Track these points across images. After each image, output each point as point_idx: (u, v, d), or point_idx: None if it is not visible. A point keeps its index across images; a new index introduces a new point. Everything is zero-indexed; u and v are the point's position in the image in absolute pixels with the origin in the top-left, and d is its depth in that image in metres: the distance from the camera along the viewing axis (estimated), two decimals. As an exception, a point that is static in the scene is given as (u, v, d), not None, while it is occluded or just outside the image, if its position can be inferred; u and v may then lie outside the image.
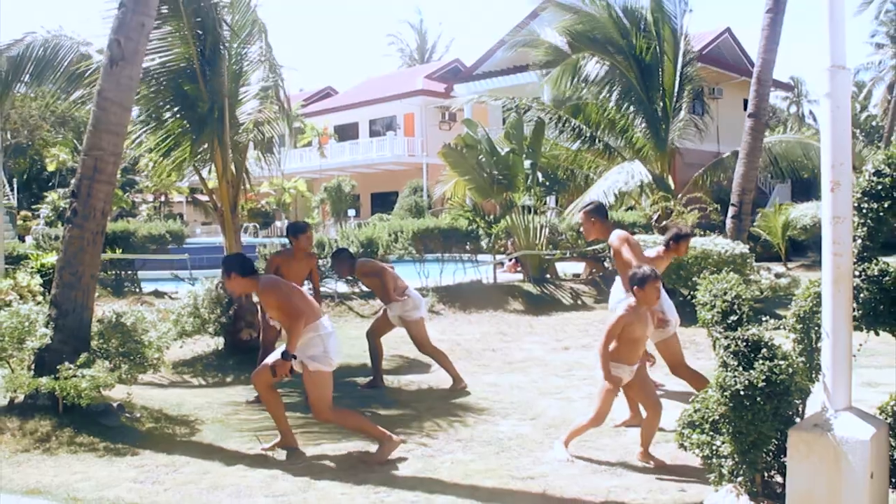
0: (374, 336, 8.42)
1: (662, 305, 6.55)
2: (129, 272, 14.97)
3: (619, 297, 7.63)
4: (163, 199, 36.20)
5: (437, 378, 8.69)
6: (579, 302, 14.17)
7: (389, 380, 8.60)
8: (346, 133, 41.11)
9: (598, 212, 7.05)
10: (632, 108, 16.66)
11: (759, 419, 4.05)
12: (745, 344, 4.16)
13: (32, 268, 12.53)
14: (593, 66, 16.80)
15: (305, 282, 8.09)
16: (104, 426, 6.39)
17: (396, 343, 10.82)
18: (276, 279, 5.99)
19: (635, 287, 5.52)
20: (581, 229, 7.07)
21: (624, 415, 6.55)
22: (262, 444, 6.14)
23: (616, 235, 6.81)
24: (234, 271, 5.76)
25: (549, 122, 17.22)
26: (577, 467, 5.56)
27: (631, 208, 18.47)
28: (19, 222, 27.74)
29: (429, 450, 6.05)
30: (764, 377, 4.02)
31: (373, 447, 5.91)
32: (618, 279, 7.73)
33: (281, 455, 5.89)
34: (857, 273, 4.26)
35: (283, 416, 6.00)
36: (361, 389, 8.17)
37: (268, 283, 5.82)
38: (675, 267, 11.63)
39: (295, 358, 5.60)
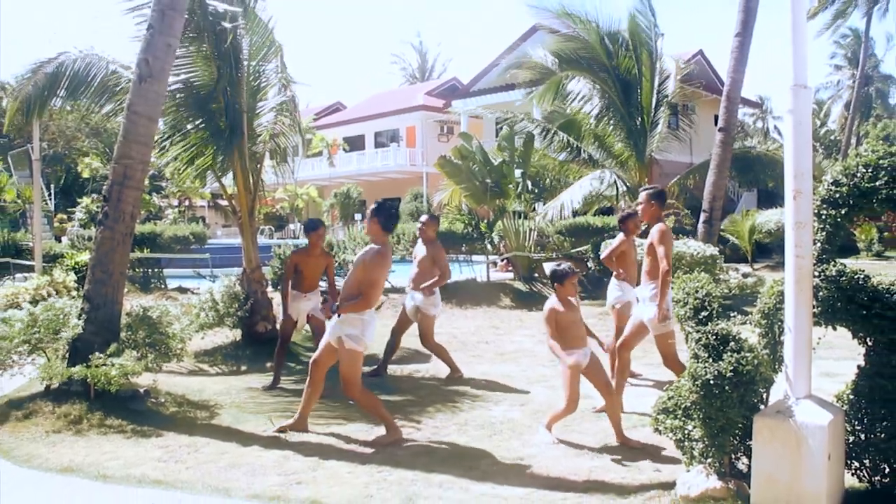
0: (398, 333, 8.38)
1: (669, 301, 6.48)
2: (156, 270, 14.97)
3: (617, 294, 7.59)
4: (187, 203, 36.08)
5: (436, 368, 8.67)
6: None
7: (392, 369, 8.59)
8: (353, 144, 41.07)
9: (659, 197, 6.72)
10: (613, 123, 16.66)
11: (727, 406, 4.05)
12: (714, 337, 4.16)
13: (67, 266, 12.53)
14: (576, 84, 16.79)
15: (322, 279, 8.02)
16: (132, 410, 6.38)
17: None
18: (387, 254, 5.79)
19: (556, 283, 5.63)
20: (639, 209, 6.75)
21: (601, 401, 6.54)
22: (273, 424, 6.13)
23: (658, 228, 6.54)
24: (379, 218, 5.71)
25: (539, 135, 17.22)
26: (561, 449, 5.55)
27: (609, 213, 18.48)
28: (56, 224, 27.70)
29: (427, 432, 6.04)
30: (732, 368, 4.02)
31: (376, 430, 5.90)
32: (613, 279, 7.67)
33: (293, 437, 5.87)
34: (816, 273, 4.26)
35: (312, 403, 6.00)
36: (365, 377, 8.12)
37: (384, 252, 5.70)
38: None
39: (339, 315, 5.55)
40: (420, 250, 8.22)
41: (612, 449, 5.50)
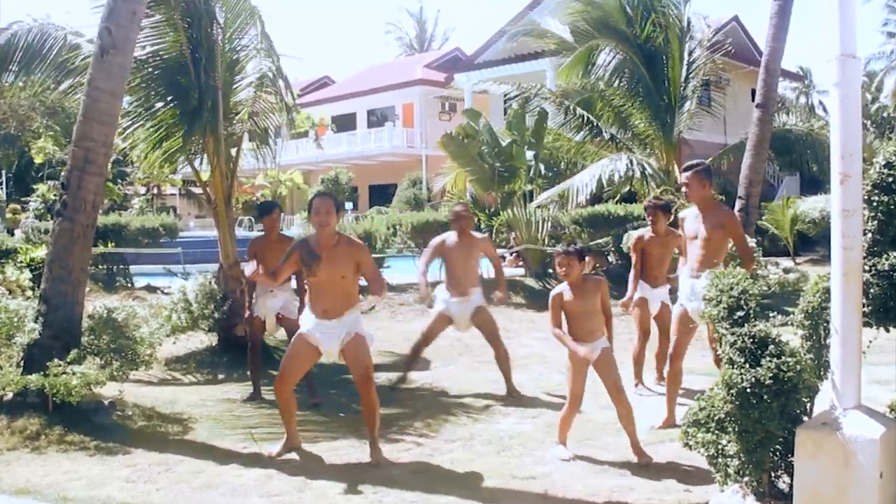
0: (426, 344, 8.24)
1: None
2: (121, 266, 14.98)
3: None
4: (155, 191, 36.17)
5: (436, 376, 8.70)
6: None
7: (389, 377, 8.60)
8: (343, 124, 41.03)
9: (709, 174, 6.62)
10: (639, 99, 16.63)
11: (766, 417, 4.05)
12: (751, 341, 4.16)
13: (21, 262, 12.54)
14: (605, 56, 16.75)
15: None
16: (95, 424, 6.40)
17: (397, 341, 10.84)
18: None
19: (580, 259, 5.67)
20: (684, 189, 6.60)
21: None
22: (256, 442, 6.14)
23: (728, 212, 6.62)
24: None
25: (553, 112, 17.22)
26: (579, 466, 5.57)
27: (634, 201, 18.47)
28: (8, 215, 27.76)
29: (428, 449, 6.06)
30: (771, 374, 4.02)
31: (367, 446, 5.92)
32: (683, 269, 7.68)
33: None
34: (867, 268, 4.25)
35: (293, 421, 5.97)
36: (388, 390, 8.02)
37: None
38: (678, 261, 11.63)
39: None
40: (453, 246, 7.97)
41: (637, 466, 5.51)
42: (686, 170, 6.58)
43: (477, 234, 8.24)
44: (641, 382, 8.01)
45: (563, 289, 5.68)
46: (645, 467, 5.47)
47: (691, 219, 6.60)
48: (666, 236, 7.81)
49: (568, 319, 5.66)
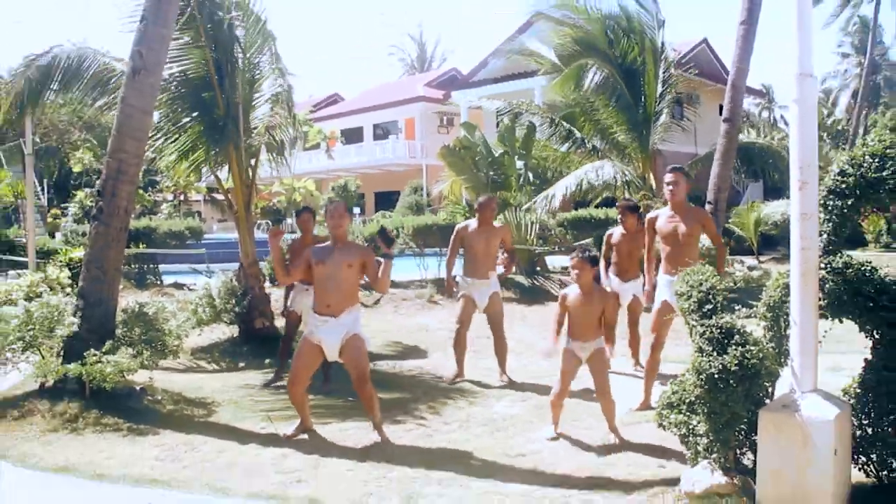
0: (464, 328, 7.92)
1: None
2: (151, 266, 14.97)
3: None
4: (182, 198, 36.07)
5: (435, 363, 8.70)
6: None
7: (390, 365, 8.61)
8: (351, 136, 41.02)
9: (689, 176, 6.63)
10: (619, 113, 16.62)
11: (732, 400, 4.06)
12: (719, 331, 4.16)
13: (61, 262, 12.53)
14: (591, 74, 16.74)
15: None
16: (128, 408, 6.40)
17: (399, 333, 10.84)
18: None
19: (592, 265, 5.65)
20: (671, 188, 6.45)
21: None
22: (272, 423, 6.14)
23: (703, 210, 6.62)
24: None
25: (541, 125, 17.20)
26: (565, 446, 5.57)
27: (612, 205, 18.45)
28: (49, 220, 27.68)
29: (428, 430, 6.06)
30: (737, 361, 4.02)
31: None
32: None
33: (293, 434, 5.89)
34: (823, 265, 4.26)
35: (306, 408, 5.94)
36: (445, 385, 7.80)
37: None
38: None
39: (390, 258, 5.54)
40: (474, 231, 7.77)
41: (617, 445, 5.51)
42: (673, 170, 6.56)
43: (496, 223, 8.09)
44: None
45: (570, 290, 5.67)
46: (622, 446, 5.47)
47: (664, 218, 6.53)
48: (635, 233, 7.81)
49: (569, 317, 5.65)
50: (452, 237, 7.96)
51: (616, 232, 8.00)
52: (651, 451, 5.35)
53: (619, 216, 7.93)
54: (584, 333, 5.60)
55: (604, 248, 8.09)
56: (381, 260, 5.55)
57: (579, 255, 5.54)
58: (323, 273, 5.59)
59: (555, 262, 16.64)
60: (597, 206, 17.92)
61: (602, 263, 7.91)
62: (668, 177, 6.50)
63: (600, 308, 5.59)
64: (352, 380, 5.65)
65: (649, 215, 6.87)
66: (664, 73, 16.57)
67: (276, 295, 10.39)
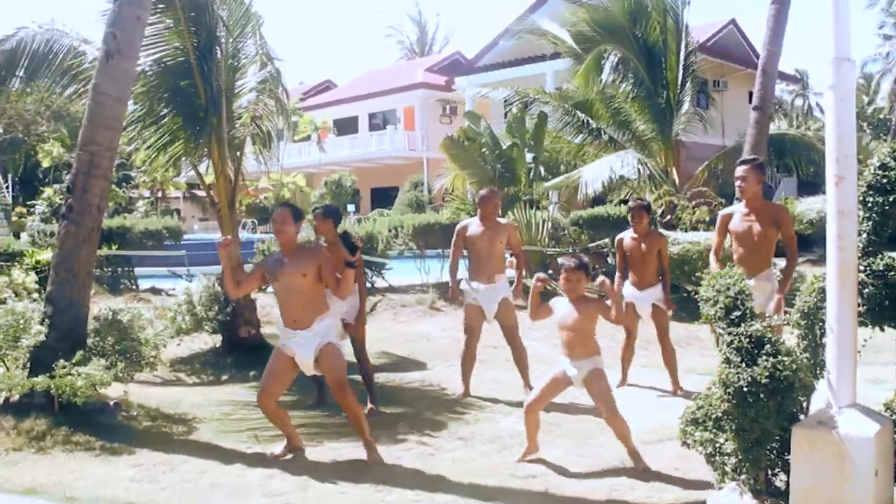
0: (475, 339, 7.84)
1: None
2: (126, 269, 14.96)
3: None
4: (159, 194, 36.20)
5: (437, 375, 8.70)
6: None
7: (389, 378, 8.61)
8: (345, 127, 41.06)
9: (763, 169, 6.52)
10: (640, 101, 16.63)
11: (763, 416, 4.06)
12: (748, 340, 4.16)
13: (28, 265, 12.54)
14: (611, 60, 16.77)
15: None
16: (100, 425, 6.41)
17: (397, 342, 10.85)
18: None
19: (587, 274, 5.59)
20: (739, 183, 6.39)
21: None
22: (259, 441, 6.15)
23: (783, 208, 6.53)
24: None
25: (553, 114, 17.21)
26: (578, 466, 5.57)
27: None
28: (14, 219, 27.75)
29: (429, 448, 6.07)
30: (767, 373, 4.03)
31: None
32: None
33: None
34: (862, 268, 4.26)
35: (288, 425, 5.96)
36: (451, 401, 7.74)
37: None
38: (678, 262, 11.64)
39: (353, 266, 5.58)
40: (476, 230, 7.70)
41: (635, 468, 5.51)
42: (742, 164, 6.53)
43: (502, 220, 7.97)
44: (626, 381, 8.00)
45: (560, 302, 5.60)
46: (646, 473, 5.45)
47: (739, 217, 6.49)
48: (646, 236, 7.73)
49: (560, 333, 5.57)
50: (454, 237, 7.92)
51: (627, 236, 7.85)
52: (673, 471, 5.34)
53: (631, 218, 7.77)
54: (573, 350, 5.49)
55: (617, 255, 8.00)
56: (346, 266, 5.57)
57: (576, 265, 5.45)
58: (280, 289, 5.67)
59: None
60: (615, 204, 17.89)
61: (617, 274, 7.89)
62: (737, 171, 6.48)
63: (592, 320, 5.48)
64: (331, 389, 5.72)
65: (722, 212, 6.80)
66: (687, 57, 16.59)
67: (262, 301, 10.40)
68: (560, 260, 5.62)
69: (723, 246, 6.70)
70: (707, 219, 14.23)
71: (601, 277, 5.38)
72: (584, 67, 16.81)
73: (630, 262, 7.84)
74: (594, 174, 16.04)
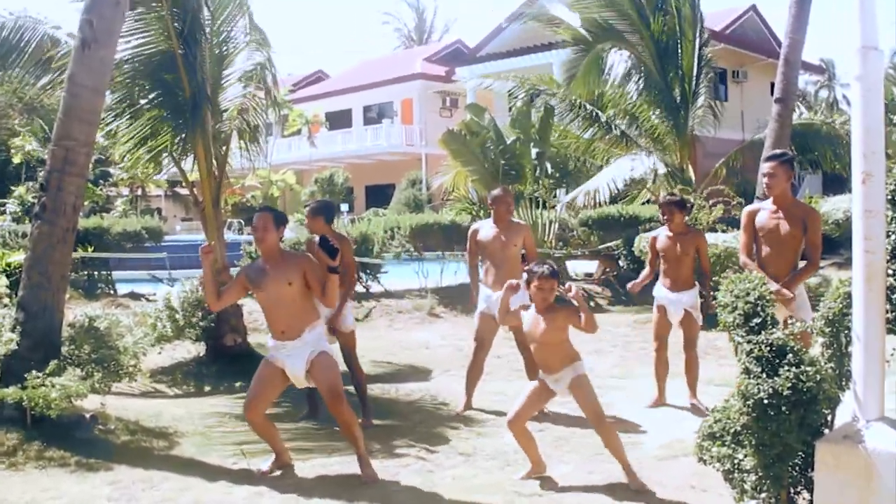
0: (482, 352, 7.77)
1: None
2: (103, 272, 15.00)
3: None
4: (139, 192, 36.17)
5: (437, 386, 8.70)
6: (592, 304, 14.17)
7: (385, 388, 8.61)
8: (338, 121, 41.07)
9: (792, 165, 6.48)
10: (650, 95, 16.65)
11: (785, 430, 4.06)
12: (769, 349, 4.16)
13: (-2, 268, 12.54)
14: (614, 56, 16.80)
15: None
16: (76, 439, 6.41)
17: (394, 350, 10.86)
18: None
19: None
20: (767, 181, 6.40)
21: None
22: (246, 457, 6.16)
23: (813, 211, 6.49)
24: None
25: (560, 107, 17.23)
26: (588, 482, 5.57)
27: (648, 202, 18.49)
28: (-17, 219, 27.74)
29: (428, 464, 6.07)
30: (789, 385, 4.03)
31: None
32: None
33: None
34: (890, 272, 4.26)
35: (277, 440, 5.97)
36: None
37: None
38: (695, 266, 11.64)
39: (335, 271, 5.53)
40: (488, 233, 7.64)
41: (649, 481, 5.51)
42: (770, 159, 6.52)
43: (516, 221, 7.91)
44: (663, 400, 7.76)
45: (528, 313, 5.58)
46: (658, 483, 5.46)
47: (766, 214, 6.48)
48: (683, 235, 7.65)
49: (529, 341, 5.61)
50: (468, 242, 7.89)
51: (661, 234, 7.76)
52: (689, 490, 5.35)
53: (664, 215, 7.69)
54: (549, 364, 5.51)
55: (649, 254, 7.91)
56: (328, 272, 5.56)
57: (549, 272, 5.42)
58: (264, 299, 5.70)
59: (577, 267, 16.67)
60: (626, 203, 17.91)
61: (647, 268, 7.89)
62: (765, 166, 6.47)
63: (562, 331, 5.47)
64: (325, 401, 5.72)
65: (748, 208, 6.78)
66: (704, 45, 16.61)
67: (249, 307, 10.40)
68: (532, 267, 5.58)
69: (752, 244, 6.64)
70: (719, 216, 14.21)
71: (569, 283, 5.45)
72: (582, 67, 16.83)
73: (664, 263, 7.73)
74: (608, 179, 16.01)
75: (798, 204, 6.59)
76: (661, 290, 7.73)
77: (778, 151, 6.60)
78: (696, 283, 7.72)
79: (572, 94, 17.48)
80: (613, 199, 17.31)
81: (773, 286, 6.12)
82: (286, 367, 5.63)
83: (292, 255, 5.91)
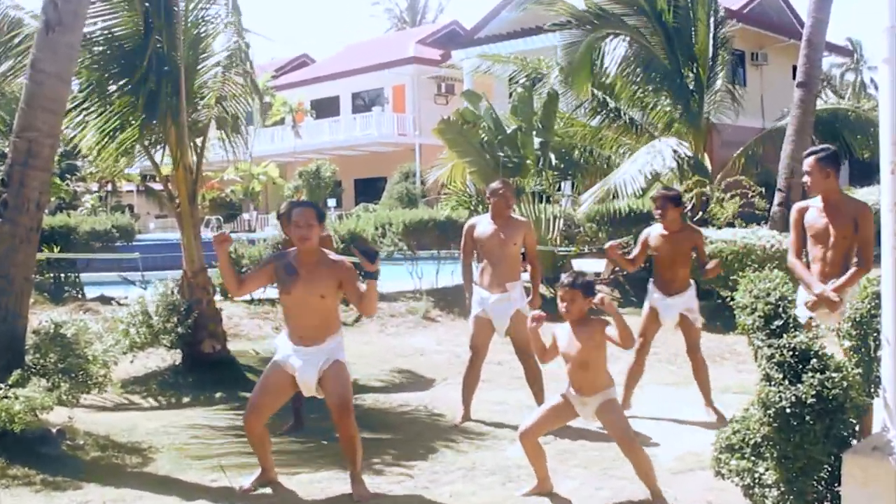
0: (478, 359, 7.74)
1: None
2: (70, 274, 14.96)
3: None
4: (109, 188, 36.18)
5: (433, 396, 8.71)
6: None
7: (376, 399, 8.62)
8: (324, 109, 41.09)
9: (832, 161, 6.42)
10: (657, 82, 16.65)
11: (809, 441, 4.07)
12: (791, 353, 4.17)
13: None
14: (613, 43, 16.82)
15: None
16: (41, 455, 6.40)
17: (387, 357, 10.86)
18: None
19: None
20: (805, 179, 6.40)
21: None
22: (225, 474, 6.16)
23: (866, 206, 6.37)
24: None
25: (564, 93, 17.24)
26: (596, 499, 5.58)
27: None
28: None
29: (424, 480, 6.07)
30: (814, 392, 4.03)
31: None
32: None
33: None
34: (923, 269, 4.27)
35: (268, 454, 5.96)
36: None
37: None
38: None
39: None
40: (485, 229, 7.60)
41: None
42: (808, 156, 6.50)
43: (517, 217, 7.87)
44: (628, 406, 7.69)
45: (561, 329, 5.53)
46: (672, 499, 5.47)
47: (815, 212, 6.45)
48: (678, 233, 7.63)
49: (564, 361, 5.52)
50: (462, 239, 7.85)
51: (653, 232, 7.73)
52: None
53: (658, 210, 7.67)
54: (581, 384, 5.44)
55: (637, 251, 7.89)
56: (366, 279, 5.54)
57: (569, 282, 5.39)
58: (289, 302, 5.66)
59: (584, 267, 16.65)
60: (637, 197, 17.88)
61: (633, 253, 7.90)
62: (804, 164, 6.47)
63: (599, 348, 5.42)
64: (332, 414, 5.64)
65: (798, 205, 6.73)
66: (720, 25, 16.63)
67: (228, 311, 10.41)
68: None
69: (802, 243, 6.59)
70: (738, 211, 14.23)
71: (600, 295, 5.36)
72: (575, 63, 16.82)
73: (657, 263, 7.74)
74: (632, 173, 15.92)
75: (848, 200, 6.54)
76: (653, 292, 7.74)
77: (817, 148, 6.58)
78: (692, 282, 7.72)
79: (570, 87, 17.50)
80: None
81: (819, 289, 6.16)
82: (297, 373, 5.59)
83: (330, 261, 5.70)
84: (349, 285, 5.58)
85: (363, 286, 5.58)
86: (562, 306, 5.41)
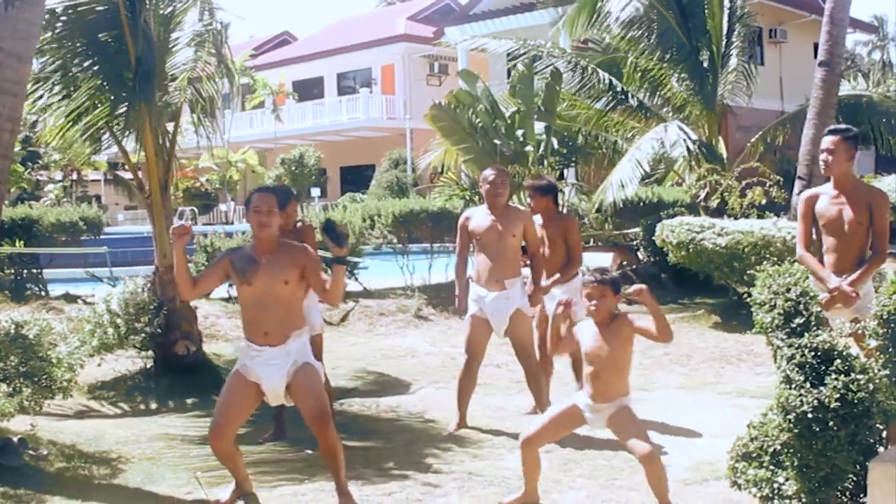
0: (479, 358, 7.72)
1: None
2: (33, 270, 14.94)
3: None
4: (74, 177, 36.08)
5: (424, 401, 8.71)
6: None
7: (364, 403, 8.62)
8: (307, 91, 41.05)
9: (856, 142, 6.46)
10: (670, 57, 16.63)
11: (832, 448, 4.07)
12: (813, 354, 4.18)
13: None
14: (618, 2, 16.78)
15: None
16: (1, 466, 6.39)
17: (375, 359, 10.86)
18: None
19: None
20: (826, 157, 6.35)
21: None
22: (201, 485, 6.15)
23: (882, 192, 6.42)
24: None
25: (567, 73, 17.20)
26: (603, 512, 5.59)
27: (676, 183, 18.48)
28: None
29: (416, 492, 6.06)
30: (838, 396, 4.04)
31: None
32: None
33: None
34: (954, 263, 4.28)
35: (241, 467, 5.94)
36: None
37: None
38: (726, 257, 11.66)
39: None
40: (481, 221, 7.53)
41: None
42: (830, 133, 6.49)
43: (516, 206, 7.87)
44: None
45: (585, 328, 5.49)
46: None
47: (826, 200, 6.46)
48: (548, 223, 7.77)
49: (587, 363, 5.45)
50: (458, 236, 7.75)
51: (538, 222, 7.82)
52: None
53: (529, 200, 7.83)
54: (600, 389, 5.36)
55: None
56: (331, 264, 5.52)
57: (599, 279, 5.34)
58: (250, 295, 5.55)
59: (590, 260, 16.65)
60: (647, 185, 17.88)
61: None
62: (824, 142, 6.44)
63: (627, 347, 5.38)
64: (306, 421, 5.58)
65: (806, 194, 6.75)
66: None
67: (204, 310, 10.40)
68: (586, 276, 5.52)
69: (811, 234, 6.60)
70: (762, 202, 14.21)
71: (636, 286, 5.25)
72: (570, 12, 16.79)
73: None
74: (636, 159, 15.89)
75: (862, 186, 6.56)
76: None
77: (842, 126, 6.58)
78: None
79: (563, 27, 17.52)
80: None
81: (834, 283, 6.16)
82: (262, 380, 5.49)
83: (291, 246, 5.70)
84: (312, 273, 5.54)
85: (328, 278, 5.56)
86: (590, 305, 5.35)
